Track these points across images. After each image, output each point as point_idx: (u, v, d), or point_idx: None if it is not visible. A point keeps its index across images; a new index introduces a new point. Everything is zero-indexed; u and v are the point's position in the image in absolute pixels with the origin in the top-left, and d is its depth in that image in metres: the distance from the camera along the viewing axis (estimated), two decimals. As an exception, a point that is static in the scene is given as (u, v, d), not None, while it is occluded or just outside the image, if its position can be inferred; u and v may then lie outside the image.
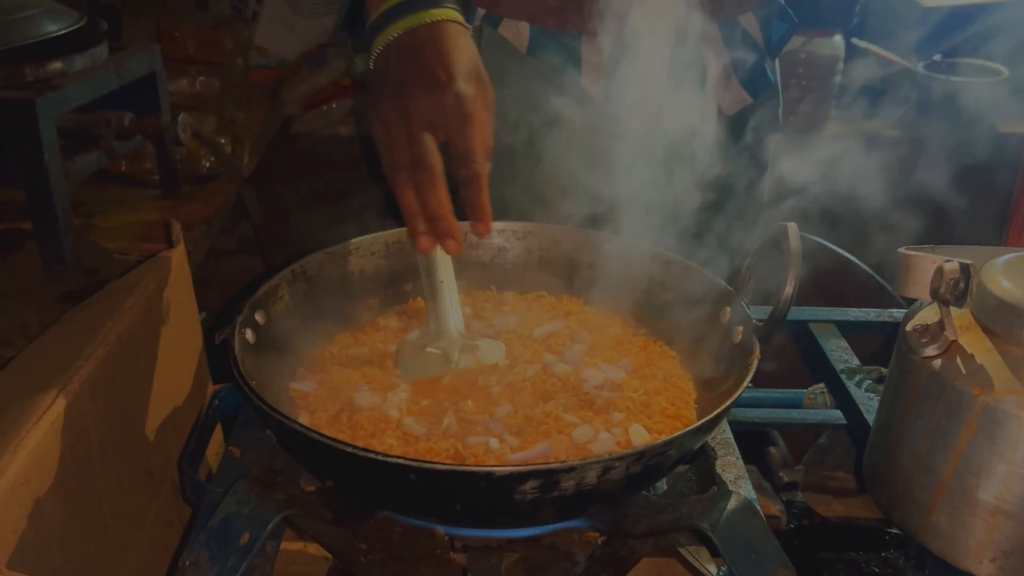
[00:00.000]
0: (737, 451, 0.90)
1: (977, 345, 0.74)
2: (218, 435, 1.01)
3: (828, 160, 1.22)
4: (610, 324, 1.00)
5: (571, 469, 0.68)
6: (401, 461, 0.68)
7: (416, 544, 0.77)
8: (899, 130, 2.46)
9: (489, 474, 0.67)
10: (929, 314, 0.79)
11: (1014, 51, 2.37)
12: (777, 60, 1.37)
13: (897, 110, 2.53)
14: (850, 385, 1.02)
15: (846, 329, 1.13)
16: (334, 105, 2.26)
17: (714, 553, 0.81)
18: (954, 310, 0.76)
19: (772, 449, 1.19)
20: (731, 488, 0.81)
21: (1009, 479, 0.71)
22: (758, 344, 0.82)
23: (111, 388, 0.89)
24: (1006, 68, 2.38)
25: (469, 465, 0.75)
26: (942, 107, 2.46)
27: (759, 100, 1.29)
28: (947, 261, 0.75)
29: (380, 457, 0.68)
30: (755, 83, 1.27)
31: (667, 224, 1.03)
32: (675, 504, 0.79)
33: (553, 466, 0.67)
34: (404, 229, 1.03)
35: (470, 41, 0.90)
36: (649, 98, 1.23)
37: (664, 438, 0.71)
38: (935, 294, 0.76)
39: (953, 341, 0.75)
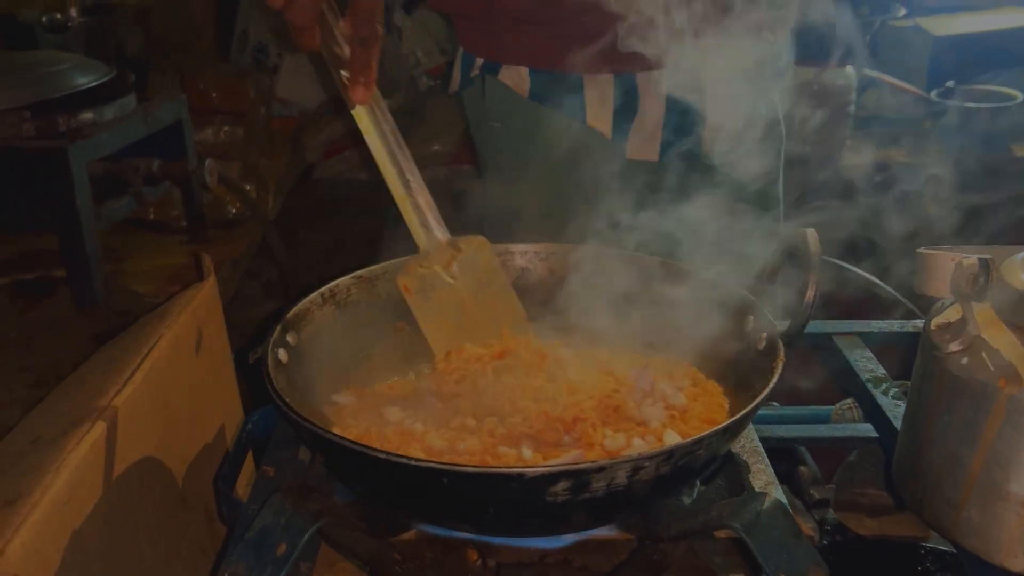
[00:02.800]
0: (767, 459, 0.90)
1: (1000, 339, 0.75)
2: (249, 464, 1.02)
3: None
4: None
5: (601, 469, 0.68)
6: (434, 465, 0.69)
7: (448, 564, 0.77)
8: (914, 157, 2.48)
9: (521, 475, 0.68)
10: (952, 313, 0.80)
11: (1026, 75, 2.40)
12: (778, 93, 1.39)
13: (912, 137, 2.55)
14: (877, 394, 1.03)
15: (871, 341, 1.13)
16: (354, 151, 2.31)
17: (747, 561, 0.81)
18: (976, 306, 0.77)
19: (802, 468, 1.19)
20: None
21: (1039, 470, 0.71)
22: (783, 348, 0.83)
23: (147, 414, 0.91)
24: (1020, 92, 2.40)
25: (501, 466, 0.76)
26: (957, 133, 2.48)
27: (747, 129, 1.31)
28: (965, 257, 0.76)
29: (412, 462, 0.69)
30: (747, 107, 1.30)
31: (686, 246, 1.05)
32: (706, 508, 0.79)
33: (584, 466, 0.68)
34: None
35: None
36: (654, 128, 1.26)
37: (693, 437, 0.71)
38: (955, 290, 0.76)
39: (976, 336, 0.75)
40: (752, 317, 0.91)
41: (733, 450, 0.90)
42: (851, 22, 2.41)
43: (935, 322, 0.80)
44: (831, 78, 2.38)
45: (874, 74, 2.55)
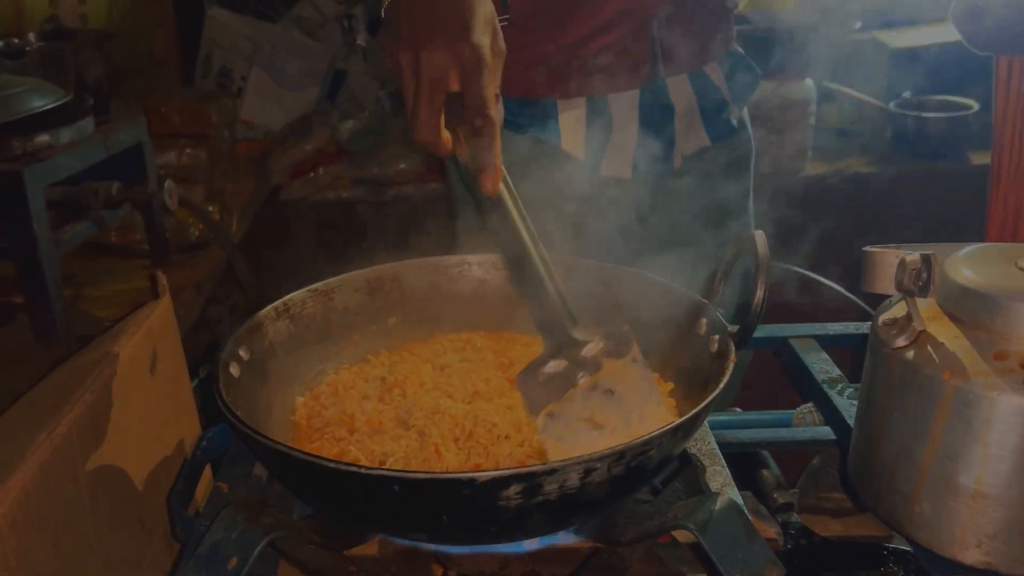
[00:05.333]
0: (723, 461, 0.91)
1: (945, 332, 0.76)
2: (207, 479, 1.01)
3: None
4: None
5: (552, 471, 0.68)
6: (384, 473, 0.68)
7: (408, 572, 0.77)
8: (875, 167, 2.51)
9: (472, 480, 0.68)
10: (898, 309, 0.81)
11: (982, 85, 2.44)
12: (746, 109, 1.42)
13: (872, 147, 2.59)
14: (833, 395, 1.03)
15: (826, 343, 1.14)
16: (320, 171, 2.31)
17: (704, 563, 0.81)
18: (920, 301, 0.78)
19: (765, 472, 1.19)
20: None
21: (986, 461, 0.72)
22: (733, 349, 0.84)
23: (99, 434, 0.89)
24: (975, 102, 2.45)
25: (451, 472, 0.75)
26: (915, 142, 2.53)
27: (719, 144, 1.33)
28: (909, 254, 0.77)
29: (362, 471, 0.69)
30: (717, 128, 1.32)
31: (651, 255, 1.06)
32: (662, 510, 0.79)
33: (535, 469, 0.68)
34: (386, 266, 1.06)
35: None
36: (625, 149, 1.27)
37: (643, 437, 0.72)
38: (900, 286, 0.77)
39: (922, 331, 0.76)
40: (704, 320, 0.92)
41: (690, 452, 0.91)
42: (809, 35, 2.46)
43: (882, 318, 0.81)
44: (790, 91, 2.42)
45: (834, 86, 2.59)
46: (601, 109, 1.23)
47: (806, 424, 1.16)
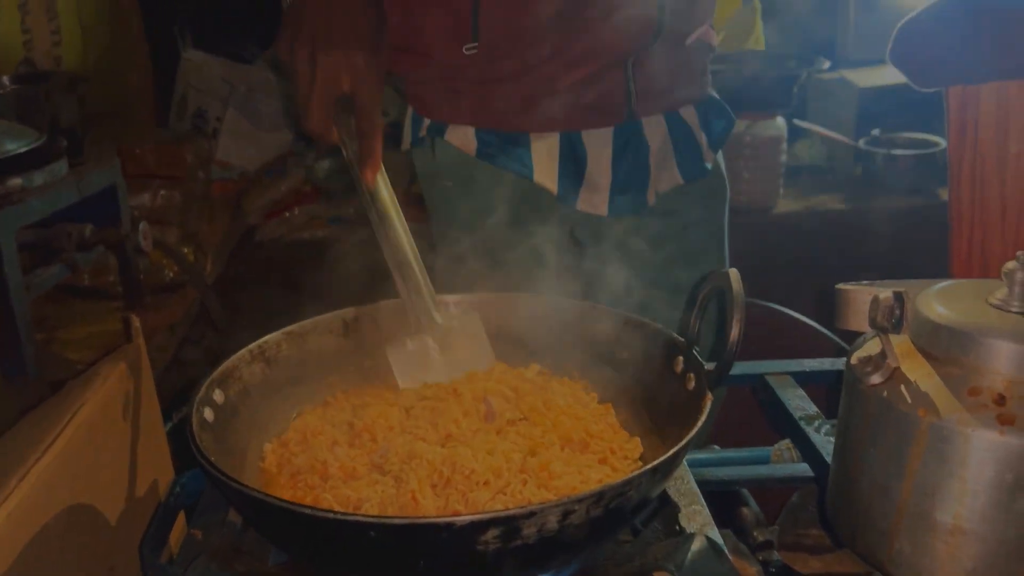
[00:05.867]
0: (702, 500, 0.90)
1: (919, 370, 0.76)
2: (181, 525, 1.00)
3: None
4: (565, 390, 1.01)
5: (531, 514, 0.68)
6: (359, 518, 0.67)
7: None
8: (846, 203, 2.55)
9: (450, 524, 0.67)
10: (872, 346, 0.81)
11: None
12: (721, 153, 1.44)
13: (843, 184, 2.63)
14: (810, 432, 1.04)
15: (802, 379, 1.15)
16: (296, 211, 2.31)
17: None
18: (894, 338, 0.79)
19: (744, 509, 1.19)
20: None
21: (962, 497, 0.72)
22: (709, 388, 0.84)
23: (70, 480, 0.88)
24: (942, 139, 2.49)
25: (429, 517, 0.74)
26: (885, 179, 2.57)
27: (693, 184, 1.35)
28: (882, 291, 0.78)
29: (338, 516, 0.68)
30: (690, 168, 1.34)
31: (627, 292, 1.06)
32: (642, 551, 0.79)
33: (513, 512, 0.68)
34: (363, 307, 1.05)
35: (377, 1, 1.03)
36: (600, 185, 1.28)
37: (623, 478, 0.71)
38: (873, 323, 0.78)
39: (896, 368, 0.77)
40: (681, 358, 0.92)
41: (669, 492, 0.90)
42: (780, 75, 2.50)
43: (856, 356, 0.81)
44: (762, 129, 2.45)
45: (804, 124, 2.63)
46: (575, 144, 1.24)
47: (784, 461, 1.16)
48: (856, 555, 0.84)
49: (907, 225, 2.49)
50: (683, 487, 0.92)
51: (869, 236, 2.49)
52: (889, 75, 2.76)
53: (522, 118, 1.20)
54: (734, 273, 0.86)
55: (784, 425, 1.10)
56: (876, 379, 0.77)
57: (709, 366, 0.88)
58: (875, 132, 2.57)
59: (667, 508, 0.90)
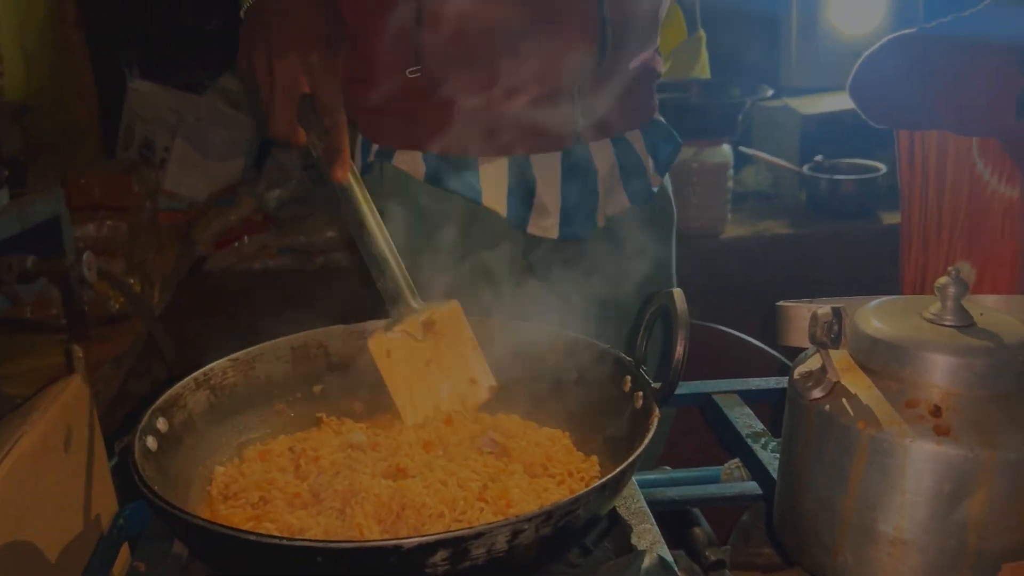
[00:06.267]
0: (652, 519, 0.91)
1: (858, 383, 0.78)
2: (125, 558, 0.97)
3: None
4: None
5: (480, 535, 0.68)
6: (306, 543, 0.67)
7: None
8: (791, 228, 2.60)
9: (397, 547, 0.67)
10: (813, 361, 0.83)
11: (887, 148, 2.57)
12: (668, 176, 1.46)
13: (788, 209, 2.69)
14: (756, 448, 1.05)
15: (748, 398, 1.16)
16: (246, 240, 2.29)
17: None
18: (834, 353, 0.81)
19: (696, 529, 1.19)
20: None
21: (903, 508, 0.74)
22: (657, 406, 0.85)
23: (10, 514, 0.85)
24: (883, 164, 2.56)
25: (376, 540, 0.74)
26: (829, 204, 2.63)
27: (640, 208, 1.37)
28: (820, 307, 0.79)
29: (283, 542, 0.67)
30: (638, 192, 1.36)
31: (576, 314, 1.07)
32: (591, 571, 0.79)
33: (461, 533, 0.67)
34: (311, 332, 1.05)
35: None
36: (550, 209, 1.30)
37: (571, 496, 0.71)
38: (813, 339, 0.80)
39: (836, 382, 0.79)
40: (629, 377, 0.93)
41: (619, 512, 0.91)
42: (725, 103, 2.55)
43: (798, 371, 0.83)
44: (709, 156, 2.50)
45: (749, 151, 2.69)
46: (523, 168, 1.25)
47: (734, 479, 1.17)
48: (804, 570, 0.85)
49: (851, 248, 2.55)
50: (633, 506, 0.92)
51: (815, 259, 2.54)
52: (830, 103, 2.84)
53: (469, 143, 1.21)
54: (678, 293, 0.87)
55: (732, 443, 1.11)
56: (817, 393, 0.79)
57: (656, 385, 0.89)
58: (818, 158, 2.63)
59: (617, 527, 0.90)
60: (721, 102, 2.50)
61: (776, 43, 3.04)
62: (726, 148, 2.53)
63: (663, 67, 1.41)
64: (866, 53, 1.44)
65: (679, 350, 0.84)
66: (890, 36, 1.41)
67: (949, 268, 0.79)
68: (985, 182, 1.64)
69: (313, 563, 0.67)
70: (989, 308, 0.81)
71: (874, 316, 0.81)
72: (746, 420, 1.11)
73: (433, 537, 0.67)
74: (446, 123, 1.18)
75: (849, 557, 0.78)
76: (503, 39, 1.16)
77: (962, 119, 1.31)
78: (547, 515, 0.70)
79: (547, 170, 1.26)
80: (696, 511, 1.21)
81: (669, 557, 0.84)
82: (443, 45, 1.15)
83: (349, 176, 1.01)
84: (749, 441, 1.06)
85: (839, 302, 0.83)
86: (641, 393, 0.89)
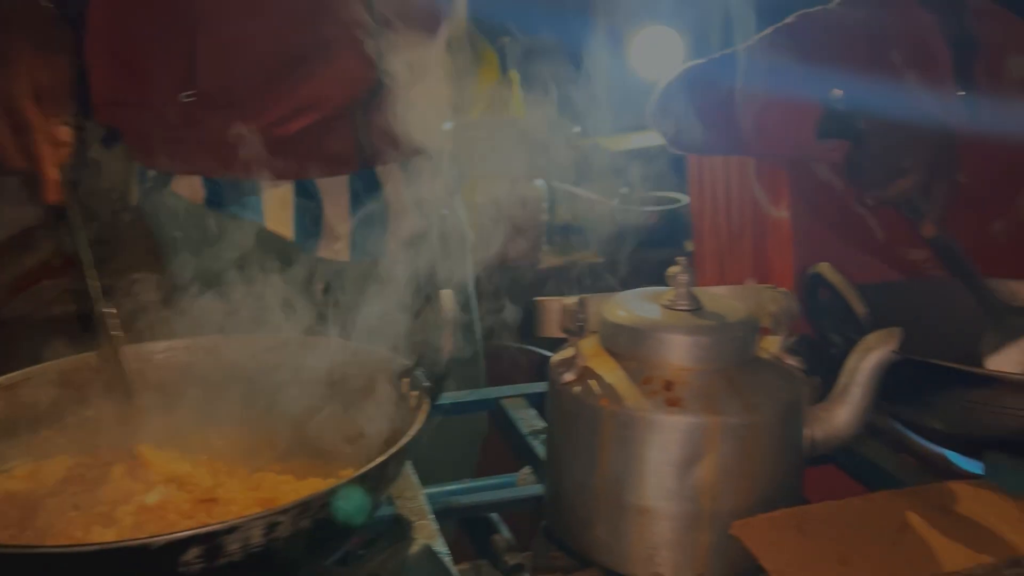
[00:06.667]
0: (432, 516, 0.93)
1: (604, 366, 0.84)
2: None
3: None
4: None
5: (233, 529, 0.68)
6: (45, 550, 0.65)
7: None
8: (604, 256, 2.72)
9: (145, 547, 0.66)
10: (568, 351, 0.89)
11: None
12: (459, 196, 1.52)
13: (601, 240, 2.82)
14: (535, 444, 1.10)
15: (535, 400, 1.21)
16: (45, 286, 2.18)
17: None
18: (586, 341, 0.87)
19: (496, 536, 1.23)
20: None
21: (645, 477, 0.79)
22: (427, 400, 0.88)
23: None
24: (685, 196, 2.74)
25: (122, 540, 0.72)
26: (638, 233, 2.78)
27: (432, 229, 1.42)
28: (568, 299, 0.85)
29: (27, 551, 0.65)
30: (428, 215, 1.40)
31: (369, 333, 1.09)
32: (362, 566, 0.80)
33: (214, 528, 0.67)
34: (81, 356, 1.02)
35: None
36: (340, 232, 1.32)
37: (331, 486, 0.73)
38: (564, 328, 0.85)
39: (585, 366, 0.84)
40: (406, 380, 0.96)
41: (399, 510, 0.93)
42: (539, 140, 2.66)
43: (554, 359, 0.88)
44: (524, 190, 2.60)
45: (563, 186, 2.82)
46: (309, 191, 1.27)
47: (529, 483, 1.22)
48: (573, 550, 0.89)
49: (659, 271, 2.69)
50: (413, 505, 0.94)
51: (624, 285, 2.67)
52: (637, 140, 3.02)
53: (249, 166, 1.22)
54: (446, 294, 0.91)
55: (517, 444, 1.15)
56: (568, 377, 0.84)
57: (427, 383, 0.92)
58: (624, 190, 2.78)
59: (398, 527, 0.92)
60: (530, 137, 2.60)
61: (586, 83, 3.19)
62: (540, 183, 2.64)
63: (480, 107, 1.46)
64: (665, 81, 1.55)
65: (446, 348, 0.88)
66: (687, 65, 1.53)
67: (678, 257, 0.87)
68: (761, 204, 1.79)
69: (57, 570, 0.65)
70: (717, 295, 0.89)
71: (618, 305, 0.88)
72: (529, 420, 1.16)
73: (183, 534, 0.67)
74: (225, 147, 1.19)
75: (603, 531, 0.83)
76: (279, 63, 1.18)
77: (764, 143, 1.40)
78: (303, 506, 0.71)
79: (334, 193, 1.28)
80: (496, 518, 1.25)
81: (444, 550, 0.87)
82: (219, 69, 1.17)
83: (65, 198, 1.00)
84: (529, 439, 1.11)
85: (592, 297, 0.90)
86: (415, 393, 0.92)
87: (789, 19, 1.50)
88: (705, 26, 2.94)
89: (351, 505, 0.74)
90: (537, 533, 1.24)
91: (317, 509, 0.73)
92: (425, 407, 0.87)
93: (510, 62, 2.89)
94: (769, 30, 1.48)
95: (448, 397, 1.22)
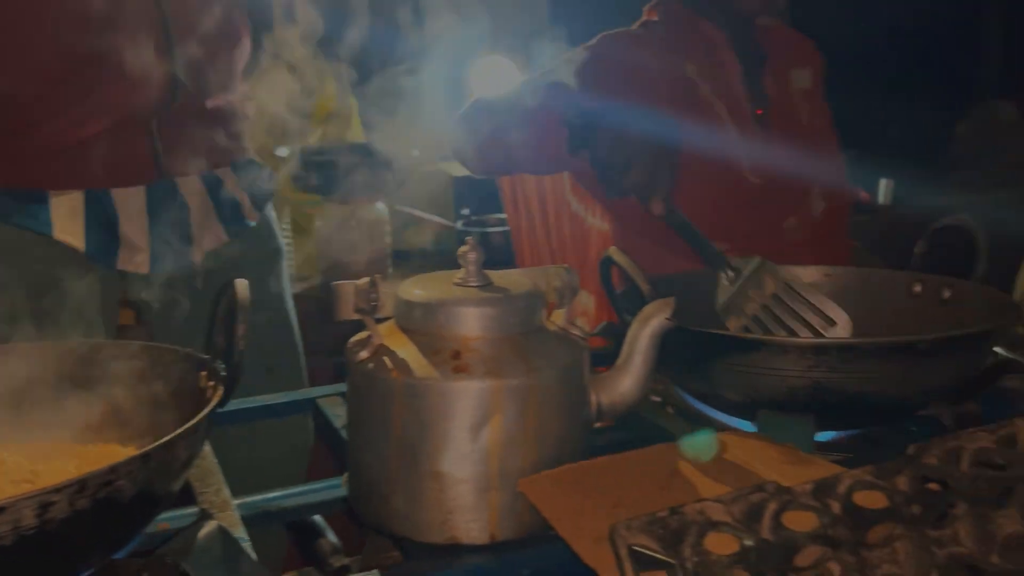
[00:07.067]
0: (234, 506, 0.93)
1: (398, 342, 0.87)
2: None
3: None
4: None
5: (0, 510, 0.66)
6: None
7: None
8: (449, 277, 2.77)
9: (-100, 533, 0.63)
10: (365, 332, 0.91)
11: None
12: (271, 207, 1.53)
13: (447, 263, 2.86)
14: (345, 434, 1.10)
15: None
16: None
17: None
18: (384, 324, 0.89)
19: (320, 541, 1.23)
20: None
21: (437, 443, 0.82)
22: (220, 389, 0.88)
23: None
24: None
25: None
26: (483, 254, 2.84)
27: (241, 241, 1.42)
28: (360, 281, 0.88)
29: None
30: (234, 227, 1.41)
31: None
32: (151, 552, 0.79)
33: (-27, 510, 0.65)
34: None
35: None
36: (138, 244, 1.30)
37: (106, 466, 0.72)
38: (358, 309, 0.88)
39: (380, 344, 0.87)
40: (205, 373, 0.95)
41: (205, 508, 0.92)
42: (376, 163, 2.69)
43: (351, 341, 0.91)
44: (365, 213, 2.61)
45: (405, 209, 2.85)
46: (103, 202, 1.25)
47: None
48: (374, 528, 0.91)
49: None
50: (216, 499, 0.94)
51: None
52: (478, 165, 3.11)
53: (34, 174, 1.19)
54: (241, 283, 0.92)
55: (331, 441, 1.16)
56: (363, 355, 0.86)
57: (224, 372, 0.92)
58: (465, 211, 2.85)
59: (202, 518, 0.91)
60: (369, 162, 2.63)
61: (426, 110, 3.26)
62: (380, 206, 2.66)
63: (248, 108, 1.46)
64: (460, 111, 1.61)
65: (239, 332, 0.89)
66: (474, 98, 1.60)
67: (467, 238, 0.92)
68: (581, 218, 1.87)
69: None
70: (507, 274, 0.94)
71: (414, 286, 0.91)
72: (345, 417, 1.16)
73: (-61, 517, 0.65)
74: (7, 154, 1.15)
75: (400, 501, 0.85)
76: (65, 69, 1.16)
77: (532, 162, 1.52)
78: (79, 485, 0.70)
79: (130, 205, 1.27)
80: (321, 523, 1.24)
81: (243, 536, 0.87)
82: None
83: None
84: (341, 432, 1.12)
85: (387, 280, 0.93)
86: (212, 383, 0.92)
87: (592, 40, 1.60)
88: (538, 54, 3.06)
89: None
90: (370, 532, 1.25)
91: (96, 488, 0.72)
92: (217, 392, 0.87)
93: (349, 87, 2.91)
94: (571, 51, 1.58)
95: (262, 400, 1.22)
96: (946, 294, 1.21)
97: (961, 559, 0.74)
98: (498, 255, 2.81)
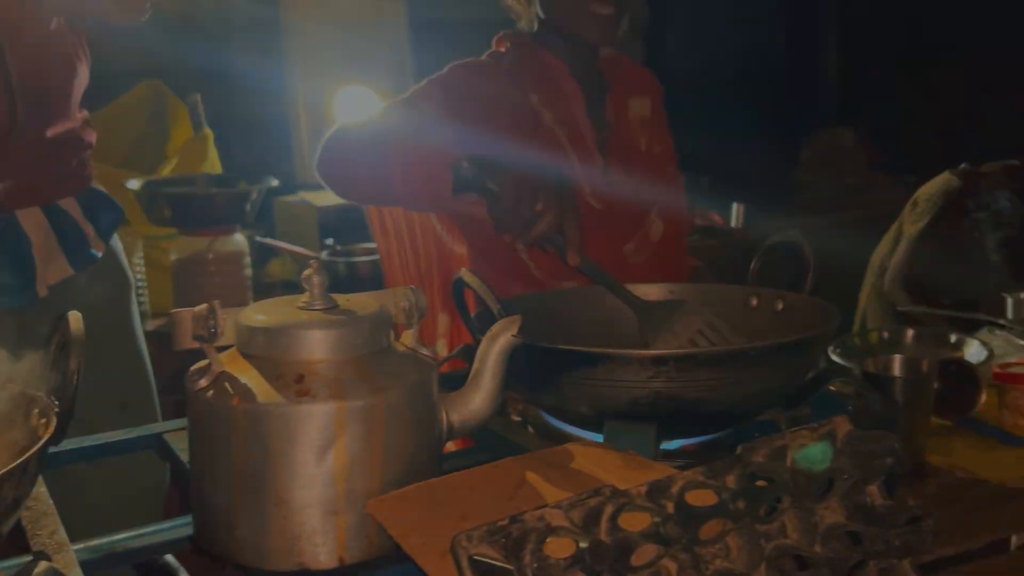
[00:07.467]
0: (73, 550, 0.89)
1: (240, 369, 0.85)
2: None
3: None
4: None
5: None
6: None
7: None
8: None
9: None
10: (205, 361, 0.89)
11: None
12: (117, 240, 1.48)
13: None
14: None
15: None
16: None
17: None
18: (226, 353, 0.88)
19: None
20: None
21: (281, 468, 0.81)
22: (55, 419, 0.85)
23: None
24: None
25: None
26: (350, 283, 2.82)
27: (87, 273, 1.37)
28: (197, 308, 0.86)
29: None
30: (79, 259, 1.36)
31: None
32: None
33: None
34: None
35: None
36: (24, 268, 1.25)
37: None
38: (196, 337, 0.86)
39: (221, 371, 0.85)
40: (37, 410, 0.91)
41: (41, 546, 0.88)
42: (231, 193, 2.63)
43: (191, 370, 0.88)
44: (222, 245, 2.55)
45: (267, 241, 2.80)
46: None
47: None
48: (220, 556, 0.88)
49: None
50: (50, 541, 0.89)
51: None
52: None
53: None
54: (74, 315, 0.89)
55: (179, 478, 1.12)
56: (203, 383, 0.85)
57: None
58: (329, 242, 2.83)
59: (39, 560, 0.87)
60: (226, 192, 2.59)
61: (287, 140, 3.25)
62: (239, 237, 2.60)
63: (91, 136, 1.41)
64: (327, 135, 1.59)
65: (73, 366, 0.86)
66: (341, 122, 1.58)
67: (311, 262, 0.91)
68: (445, 242, 1.89)
69: None
70: (355, 297, 0.94)
71: (257, 312, 0.90)
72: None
73: None
74: None
75: (246, 531, 0.83)
76: None
77: (411, 199, 1.48)
78: None
79: (32, 223, 1.22)
80: (173, 563, 1.20)
81: (74, 567, 0.83)
82: None
83: None
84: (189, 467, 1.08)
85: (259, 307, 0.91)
86: (44, 420, 0.88)
87: (443, 71, 1.63)
88: (399, 84, 3.09)
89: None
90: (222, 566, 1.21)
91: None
92: (51, 426, 0.83)
93: (202, 119, 2.85)
94: (423, 82, 1.59)
95: (104, 438, 1.17)
96: (779, 306, 1.28)
97: (787, 550, 0.79)
98: (367, 285, 2.80)
